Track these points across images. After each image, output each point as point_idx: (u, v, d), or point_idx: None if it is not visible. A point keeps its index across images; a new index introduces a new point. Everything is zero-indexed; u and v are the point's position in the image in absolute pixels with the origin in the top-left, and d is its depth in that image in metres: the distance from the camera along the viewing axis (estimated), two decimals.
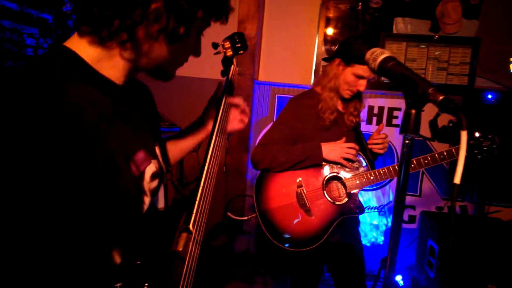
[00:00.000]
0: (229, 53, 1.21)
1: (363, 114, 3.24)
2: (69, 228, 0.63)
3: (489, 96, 2.89)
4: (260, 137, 3.36)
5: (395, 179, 2.00)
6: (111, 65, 0.74)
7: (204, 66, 3.22)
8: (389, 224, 3.29)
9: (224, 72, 1.28)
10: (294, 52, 3.36)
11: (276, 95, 3.31)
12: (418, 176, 3.25)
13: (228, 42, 1.21)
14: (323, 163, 1.82)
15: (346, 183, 1.82)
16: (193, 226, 0.86)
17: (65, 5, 2.76)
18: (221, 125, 1.07)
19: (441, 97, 0.66)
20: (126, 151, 0.77)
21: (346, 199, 1.80)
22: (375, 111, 3.23)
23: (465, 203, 3.18)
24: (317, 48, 3.30)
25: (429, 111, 3.28)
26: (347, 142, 1.86)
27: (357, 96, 1.88)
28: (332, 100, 1.79)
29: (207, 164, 0.95)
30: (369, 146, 1.90)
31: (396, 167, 1.80)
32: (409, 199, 3.27)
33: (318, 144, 1.78)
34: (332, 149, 1.78)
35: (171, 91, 3.36)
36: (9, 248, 0.56)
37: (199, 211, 0.88)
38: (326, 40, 3.31)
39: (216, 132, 1.04)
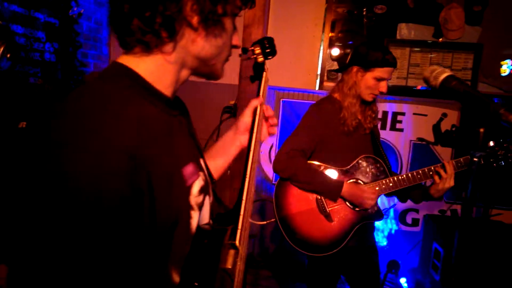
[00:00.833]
0: (260, 58, 1.19)
1: None
2: (128, 246, 0.63)
3: None
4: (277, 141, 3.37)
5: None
6: (161, 75, 0.75)
7: None
8: (393, 227, 3.33)
9: (254, 78, 1.24)
10: (299, 56, 3.38)
11: (281, 99, 3.32)
12: None
13: (258, 47, 1.18)
14: (343, 168, 1.84)
15: (364, 188, 1.84)
16: (239, 242, 0.86)
17: (71, 9, 2.73)
18: (257, 137, 1.07)
19: None
20: (180, 166, 0.78)
21: None
22: (380, 115, 3.26)
23: None
24: (322, 52, 3.33)
25: (431, 115, 3.28)
26: (365, 146, 1.89)
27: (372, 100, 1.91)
28: (354, 106, 1.82)
29: (247, 178, 0.95)
30: None
31: (416, 174, 1.81)
32: (412, 203, 3.31)
33: (341, 184, 1.78)
34: (352, 195, 1.79)
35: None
36: (72, 272, 0.57)
37: (243, 227, 0.88)
38: (331, 44, 3.34)
39: (253, 146, 1.03)
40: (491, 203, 3.08)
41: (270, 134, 1.19)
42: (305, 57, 3.38)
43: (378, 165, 1.88)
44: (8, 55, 1.57)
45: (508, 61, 3.22)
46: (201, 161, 0.92)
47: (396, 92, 3.22)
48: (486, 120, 0.73)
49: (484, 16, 3.13)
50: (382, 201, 3.32)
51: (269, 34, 3.37)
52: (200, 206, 0.86)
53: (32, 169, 0.59)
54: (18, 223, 0.58)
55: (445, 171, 1.75)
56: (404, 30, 3.28)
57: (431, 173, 1.79)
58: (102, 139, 0.59)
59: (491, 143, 1.77)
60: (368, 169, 1.87)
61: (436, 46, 3.22)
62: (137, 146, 0.62)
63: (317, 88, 3.38)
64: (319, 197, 1.80)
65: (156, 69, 0.74)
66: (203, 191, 0.86)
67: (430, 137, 3.26)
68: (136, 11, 0.68)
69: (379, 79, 1.79)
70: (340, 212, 1.80)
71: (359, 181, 1.86)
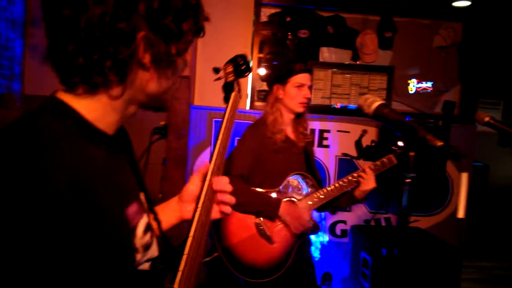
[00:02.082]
0: (231, 78, 1.13)
1: None
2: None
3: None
4: (199, 160, 3.34)
5: None
6: (105, 114, 0.70)
7: None
8: (324, 239, 3.47)
9: (226, 99, 1.17)
10: None
11: (213, 119, 3.33)
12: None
13: (230, 66, 1.12)
14: (276, 188, 1.89)
15: (300, 206, 1.90)
16: (178, 286, 0.77)
17: None
18: (203, 207, 0.88)
19: (439, 143, 0.76)
20: (123, 208, 0.73)
21: None
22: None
23: (389, 215, 3.49)
24: (252, 73, 3.42)
25: (353, 132, 3.52)
26: (299, 166, 1.95)
27: (300, 116, 1.99)
28: (276, 121, 1.89)
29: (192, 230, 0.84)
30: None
31: (342, 183, 1.91)
32: (340, 214, 3.49)
33: (278, 202, 1.83)
34: (290, 217, 1.84)
35: None
36: None
37: (185, 268, 0.79)
38: (260, 65, 3.45)
39: (196, 219, 0.84)
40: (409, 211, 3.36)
41: (222, 214, 1.00)
42: None
43: (308, 180, 1.96)
44: None
45: (413, 80, 3.60)
46: (142, 196, 0.87)
47: (321, 111, 3.42)
48: (416, 144, 0.81)
49: (394, 41, 3.48)
50: (313, 214, 3.45)
51: (198, 58, 3.39)
52: (147, 246, 0.81)
53: None
54: None
55: (365, 173, 1.88)
56: (326, 54, 3.51)
57: (355, 179, 1.90)
58: (40, 186, 0.55)
59: (400, 143, 1.91)
60: (299, 186, 1.95)
61: (355, 68, 3.49)
62: (75, 192, 0.58)
63: (247, 108, 3.45)
64: (258, 221, 1.83)
65: (100, 107, 0.68)
66: (148, 229, 0.82)
67: (353, 152, 3.49)
68: (82, 52, 0.62)
69: (298, 86, 1.89)
70: (280, 232, 1.84)
71: (293, 199, 1.92)
